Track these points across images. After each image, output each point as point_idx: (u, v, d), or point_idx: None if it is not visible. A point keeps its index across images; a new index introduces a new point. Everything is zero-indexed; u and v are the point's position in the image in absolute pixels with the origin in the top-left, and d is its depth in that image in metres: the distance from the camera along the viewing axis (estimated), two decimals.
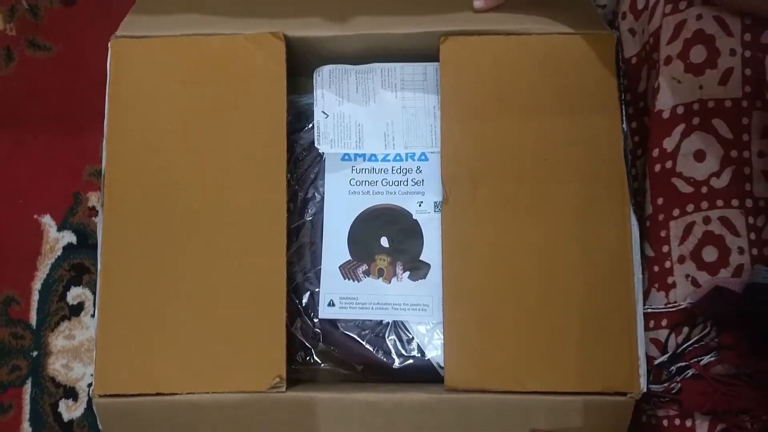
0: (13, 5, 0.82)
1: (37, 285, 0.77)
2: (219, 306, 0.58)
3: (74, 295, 0.77)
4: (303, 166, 0.66)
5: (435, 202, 0.64)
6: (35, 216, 0.78)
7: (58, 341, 0.76)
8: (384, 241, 0.64)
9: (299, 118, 0.66)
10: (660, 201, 0.56)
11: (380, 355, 0.62)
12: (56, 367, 0.75)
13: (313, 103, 0.66)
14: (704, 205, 0.55)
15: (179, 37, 0.61)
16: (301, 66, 0.66)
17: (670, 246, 0.55)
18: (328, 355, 0.64)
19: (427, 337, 0.62)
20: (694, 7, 0.54)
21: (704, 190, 0.55)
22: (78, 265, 0.77)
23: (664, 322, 0.56)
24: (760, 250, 0.54)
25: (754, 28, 0.53)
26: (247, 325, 0.57)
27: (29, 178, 0.79)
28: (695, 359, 0.55)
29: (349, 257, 0.64)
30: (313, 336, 0.63)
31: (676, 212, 0.55)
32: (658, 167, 0.55)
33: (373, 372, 0.63)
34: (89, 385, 0.74)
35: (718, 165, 0.54)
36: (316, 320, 0.63)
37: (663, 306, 0.55)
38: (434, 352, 0.62)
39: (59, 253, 0.78)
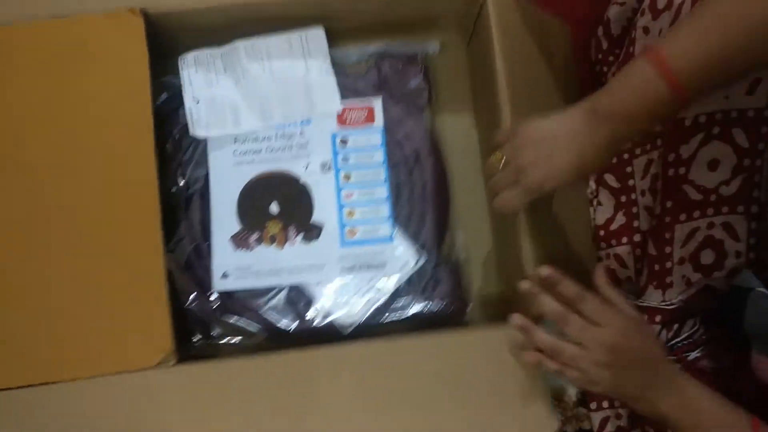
0: None
1: None
2: (96, 290, 0.55)
3: None
4: (186, 144, 0.65)
5: (322, 163, 0.64)
6: None
7: None
8: (274, 207, 0.63)
9: (176, 96, 0.65)
10: (669, 204, 0.55)
11: (280, 321, 0.61)
12: None
13: None
14: (710, 211, 0.55)
15: (34, 21, 0.59)
16: (175, 45, 0.65)
17: (673, 248, 0.56)
18: (228, 327, 0.62)
19: (325, 297, 0.61)
20: None
21: (713, 198, 0.55)
22: None
23: (657, 318, 0.56)
24: (758, 254, 0.54)
25: None
26: (128, 306, 0.55)
27: None
28: (684, 354, 0.56)
29: (239, 227, 0.63)
30: (210, 310, 0.62)
31: (682, 217, 0.55)
32: (671, 171, 0.55)
33: (275, 338, 0.61)
34: None
35: (730, 173, 0.54)
36: (212, 294, 0.62)
37: (658, 303, 0.56)
38: (336, 312, 0.61)
39: None
